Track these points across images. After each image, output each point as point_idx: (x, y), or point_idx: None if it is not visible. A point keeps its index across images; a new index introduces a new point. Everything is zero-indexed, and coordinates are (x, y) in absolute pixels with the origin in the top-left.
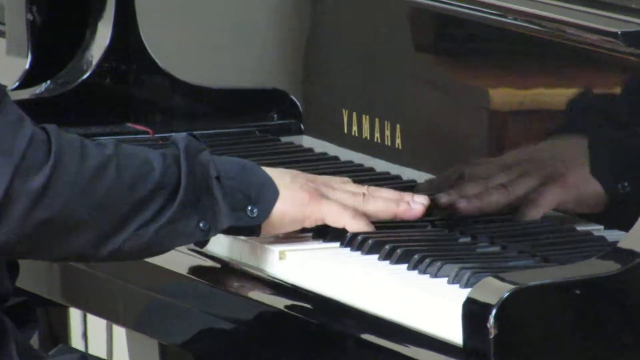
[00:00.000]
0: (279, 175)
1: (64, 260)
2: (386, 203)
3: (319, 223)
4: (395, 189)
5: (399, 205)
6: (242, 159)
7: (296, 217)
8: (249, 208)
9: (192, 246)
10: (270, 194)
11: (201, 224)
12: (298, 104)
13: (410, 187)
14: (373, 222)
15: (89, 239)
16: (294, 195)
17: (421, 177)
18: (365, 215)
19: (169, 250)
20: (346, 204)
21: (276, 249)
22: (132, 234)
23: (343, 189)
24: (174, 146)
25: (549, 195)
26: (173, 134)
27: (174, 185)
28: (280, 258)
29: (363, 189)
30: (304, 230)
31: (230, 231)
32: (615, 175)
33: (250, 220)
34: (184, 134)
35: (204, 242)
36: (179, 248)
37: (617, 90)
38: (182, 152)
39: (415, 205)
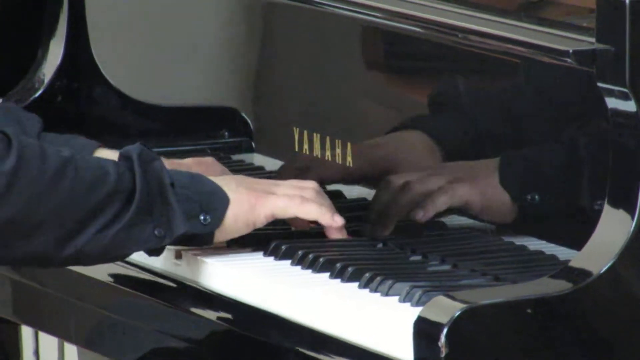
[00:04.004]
0: (225, 183)
1: (27, 262)
2: (329, 203)
3: (270, 220)
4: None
5: (333, 213)
6: (188, 171)
7: (247, 219)
8: (202, 217)
9: (144, 263)
10: (221, 201)
11: (156, 231)
12: (249, 121)
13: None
14: (325, 240)
15: (50, 240)
16: (241, 199)
17: (371, 194)
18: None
19: (125, 257)
20: (292, 194)
21: (223, 265)
22: (92, 236)
23: (287, 184)
24: (125, 157)
25: (459, 189)
26: (124, 148)
27: (129, 191)
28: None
29: (309, 183)
30: (254, 246)
31: (184, 241)
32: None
33: (204, 227)
34: (136, 144)
35: (158, 251)
36: (131, 265)
37: (569, 106)
38: (136, 160)
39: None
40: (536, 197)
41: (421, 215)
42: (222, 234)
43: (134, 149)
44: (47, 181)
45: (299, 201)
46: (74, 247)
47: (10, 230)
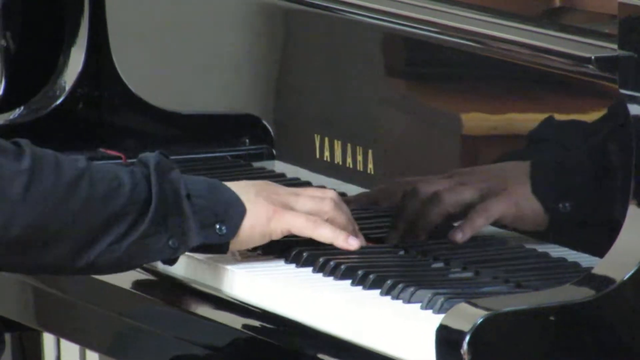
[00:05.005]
0: (243, 191)
1: (40, 272)
2: (348, 220)
3: (285, 234)
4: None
5: (348, 236)
6: (207, 178)
7: (263, 231)
8: (217, 226)
9: (166, 270)
10: (237, 211)
11: (170, 242)
12: (270, 129)
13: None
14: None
15: (65, 251)
16: (259, 210)
17: None
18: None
19: (138, 267)
20: (311, 211)
21: (244, 272)
22: (106, 248)
23: (308, 194)
24: (143, 164)
25: (494, 208)
26: (142, 154)
27: (144, 201)
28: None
29: (329, 193)
30: (276, 254)
31: (199, 249)
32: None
33: (219, 238)
34: (155, 152)
35: (172, 260)
36: (153, 273)
37: (592, 113)
38: (153, 169)
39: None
40: (567, 205)
41: (459, 237)
42: (238, 244)
43: (152, 157)
44: (63, 191)
45: (313, 225)
46: (86, 258)
47: (28, 240)
